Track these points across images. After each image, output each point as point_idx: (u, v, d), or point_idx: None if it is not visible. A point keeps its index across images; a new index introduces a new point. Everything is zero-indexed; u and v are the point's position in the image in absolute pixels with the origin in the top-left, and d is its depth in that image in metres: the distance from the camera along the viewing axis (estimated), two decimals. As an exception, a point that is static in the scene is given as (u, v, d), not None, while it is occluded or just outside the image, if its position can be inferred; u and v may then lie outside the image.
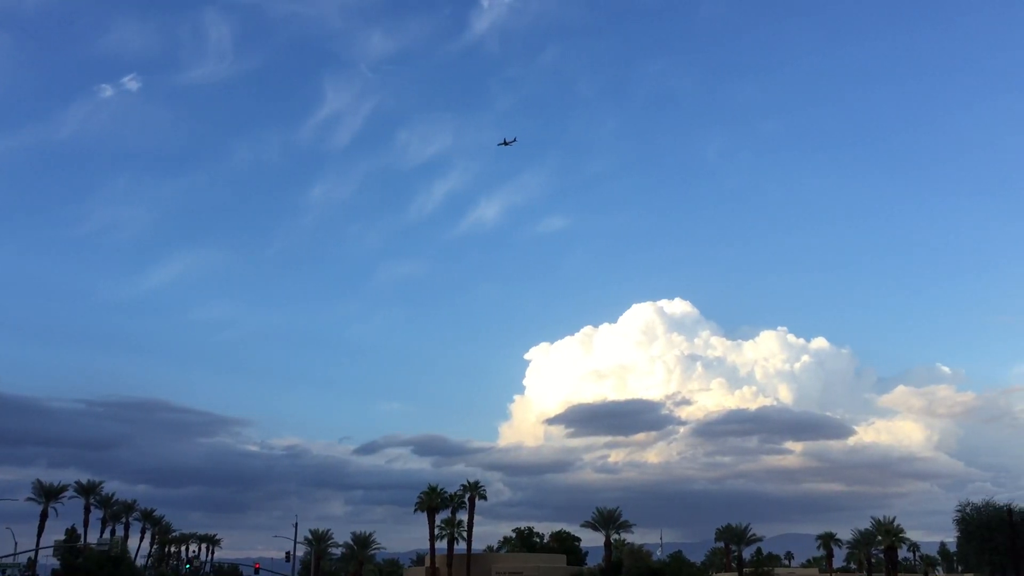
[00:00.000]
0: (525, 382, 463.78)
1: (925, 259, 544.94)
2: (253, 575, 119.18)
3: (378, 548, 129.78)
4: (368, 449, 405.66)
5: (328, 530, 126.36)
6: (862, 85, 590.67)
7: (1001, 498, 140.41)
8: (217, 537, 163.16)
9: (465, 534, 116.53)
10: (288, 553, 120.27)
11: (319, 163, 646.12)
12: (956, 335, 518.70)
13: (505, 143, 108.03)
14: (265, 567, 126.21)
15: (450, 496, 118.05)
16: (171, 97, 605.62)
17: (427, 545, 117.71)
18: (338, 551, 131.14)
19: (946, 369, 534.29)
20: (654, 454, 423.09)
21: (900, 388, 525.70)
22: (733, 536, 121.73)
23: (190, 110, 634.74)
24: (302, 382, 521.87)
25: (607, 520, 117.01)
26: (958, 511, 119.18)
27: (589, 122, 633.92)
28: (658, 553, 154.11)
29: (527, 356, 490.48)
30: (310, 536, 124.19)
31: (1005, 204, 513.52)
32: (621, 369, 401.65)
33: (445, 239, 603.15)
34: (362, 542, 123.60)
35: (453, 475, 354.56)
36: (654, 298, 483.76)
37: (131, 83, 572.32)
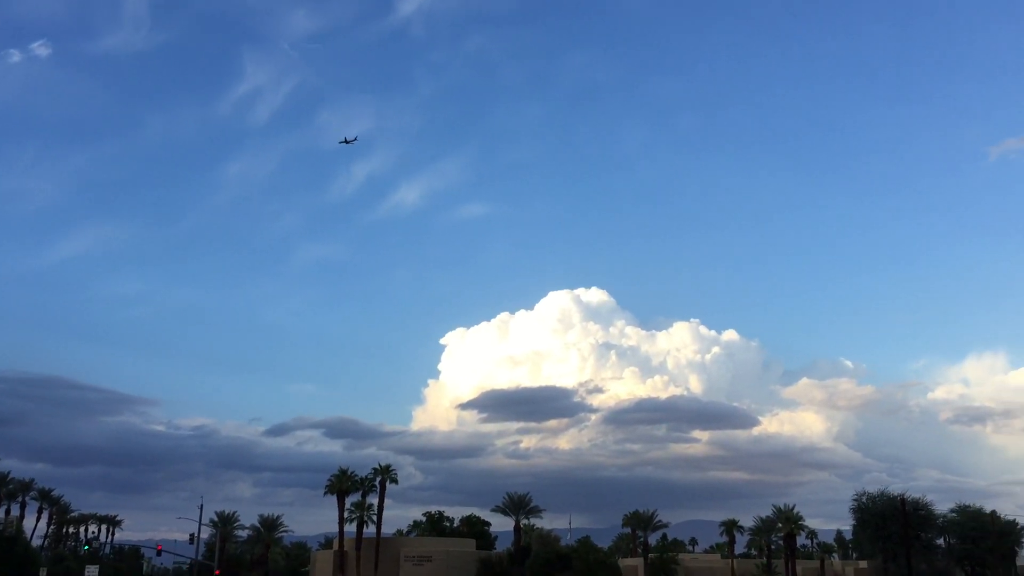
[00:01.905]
0: (440, 367, 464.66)
1: (833, 257, 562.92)
2: (155, 557, 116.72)
3: (286, 531, 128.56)
4: (279, 431, 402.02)
5: (235, 512, 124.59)
6: (776, 86, 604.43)
7: (895, 488, 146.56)
8: (118, 518, 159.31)
9: (375, 518, 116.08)
10: (192, 535, 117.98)
11: (237, 140, 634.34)
12: (859, 331, 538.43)
13: (346, 141, 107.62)
14: (168, 549, 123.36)
15: (361, 479, 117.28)
16: (83, 65, 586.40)
17: (336, 528, 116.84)
18: (244, 534, 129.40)
19: (848, 363, 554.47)
20: (565, 440, 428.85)
21: (804, 380, 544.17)
22: (640, 522, 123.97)
23: (103, 79, 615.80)
24: (213, 362, 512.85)
25: (517, 505, 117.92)
26: (854, 500, 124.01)
27: (511, 110, 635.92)
28: (567, 538, 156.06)
29: (443, 341, 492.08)
30: (216, 518, 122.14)
31: (907, 205, 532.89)
32: (536, 356, 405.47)
33: (364, 222, 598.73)
34: (270, 525, 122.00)
35: (365, 458, 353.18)
36: (571, 286, 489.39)
37: (40, 49, 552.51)
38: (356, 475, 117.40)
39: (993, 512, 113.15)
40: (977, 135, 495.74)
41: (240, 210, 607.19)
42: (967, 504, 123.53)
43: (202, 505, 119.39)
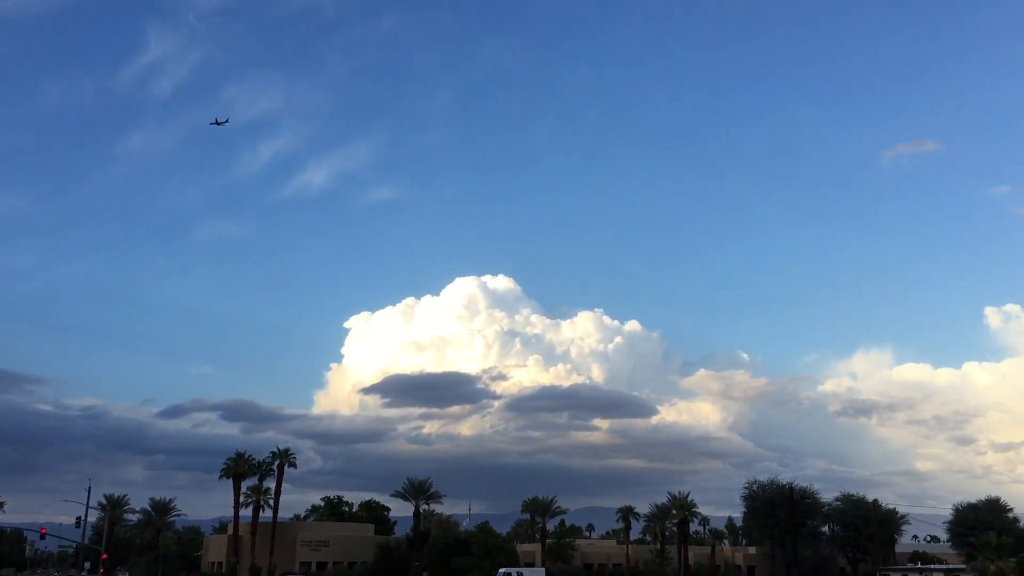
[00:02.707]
0: (343, 351, 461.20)
1: (732, 252, 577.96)
2: (39, 541, 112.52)
3: (179, 515, 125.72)
4: (173, 413, 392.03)
5: (125, 495, 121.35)
6: (682, 85, 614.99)
7: (784, 477, 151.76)
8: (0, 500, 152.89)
9: (272, 502, 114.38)
10: (79, 518, 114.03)
11: (138, 111, 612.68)
12: (755, 325, 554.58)
13: (217, 123, 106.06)
14: (53, 532, 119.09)
15: (258, 463, 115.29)
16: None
17: (232, 513, 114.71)
18: (135, 517, 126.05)
19: (745, 356, 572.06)
20: (468, 427, 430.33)
21: (702, 371, 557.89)
22: (539, 508, 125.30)
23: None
24: (105, 340, 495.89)
25: (417, 490, 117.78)
26: (746, 488, 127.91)
27: (423, 94, 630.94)
28: (466, 524, 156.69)
29: (347, 325, 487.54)
30: (104, 501, 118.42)
31: (804, 204, 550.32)
32: (440, 341, 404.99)
33: (269, 201, 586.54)
34: (161, 508, 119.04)
35: (263, 442, 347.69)
36: (478, 273, 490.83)
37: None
38: (253, 459, 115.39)
39: (875, 501, 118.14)
40: (872, 139, 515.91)
41: (139, 184, 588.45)
42: (851, 493, 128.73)
43: (90, 487, 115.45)
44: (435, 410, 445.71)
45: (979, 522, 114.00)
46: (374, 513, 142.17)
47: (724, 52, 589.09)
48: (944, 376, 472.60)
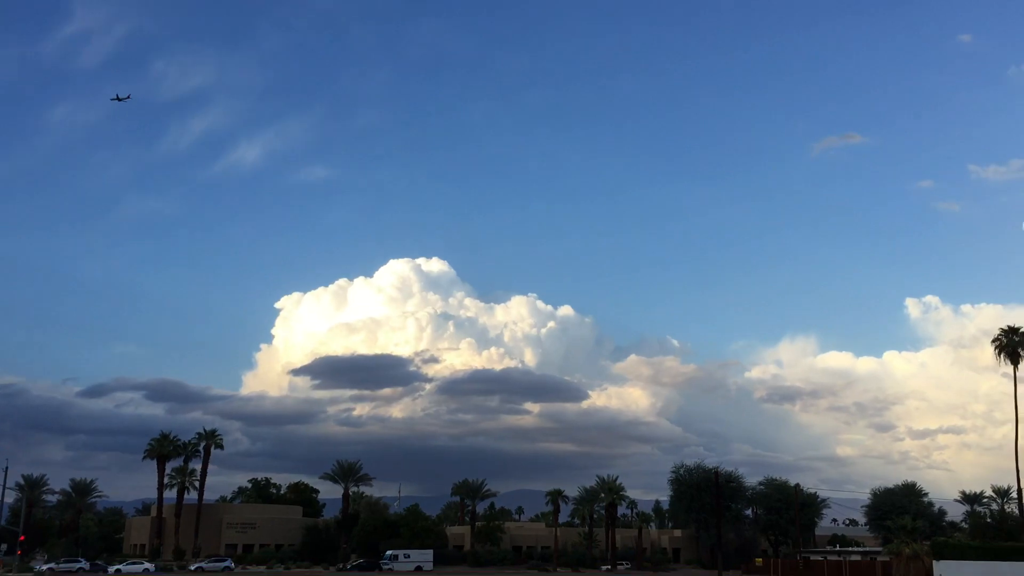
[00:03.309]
0: (274, 331, 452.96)
1: (664, 239, 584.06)
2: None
3: (100, 496, 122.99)
4: (96, 392, 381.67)
5: (44, 476, 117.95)
6: (619, 68, 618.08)
7: (710, 461, 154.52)
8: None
9: (198, 484, 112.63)
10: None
11: (62, 83, 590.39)
12: (686, 312, 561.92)
13: (118, 99, 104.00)
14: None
15: (184, 444, 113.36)
16: None
17: (156, 494, 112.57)
18: (54, 499, 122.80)
19: (675, 342, 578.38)
20: (399, 409, 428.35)
21: (633, 357, 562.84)
22: (469, 491, 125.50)
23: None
24: (23, 316, 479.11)
25: (347, 473, 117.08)
26: (673, 472, 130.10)
27: (359, 74, 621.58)
28: (395, 506, 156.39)
29: (277, 305, 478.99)
30: (22, 482, 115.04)
31: (735, 192, 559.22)
32: (373, 324, 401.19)
33: (199, 178, 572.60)
34: (82, 489, 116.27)
35: (190, 423, 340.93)
36: (412, 256, 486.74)
37: None
38: (179, 439, 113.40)
39: (797, 485, 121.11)
40: (802, 131, 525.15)
41: (62, 158, 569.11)
42: (774, 478, 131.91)
43: (7, 468, 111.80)
44: (366, 392, 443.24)
45: (895, 506, 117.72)
46: (302, 495, 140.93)
47: (660, 37, 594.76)
48: (865, 364, 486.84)
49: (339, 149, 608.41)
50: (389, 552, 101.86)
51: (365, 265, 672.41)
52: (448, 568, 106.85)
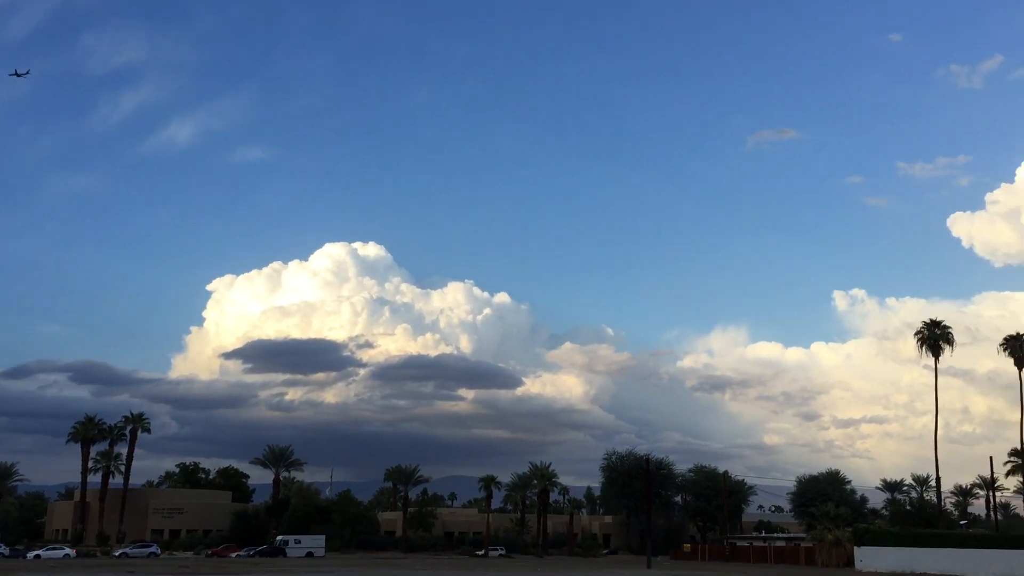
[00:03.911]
0: (205, 313, 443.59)
1: (600, 228, 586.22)
2: None
3: (22, 480, 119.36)
4: (17, 373, 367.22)
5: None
6: (557, 56, 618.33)
7: (642, 449, 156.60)
8: None
9: (123, 468, 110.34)
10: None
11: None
12: (621, 300, 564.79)
13: (17, 74, 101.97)
14: None
15: (110, 427, 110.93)
16: None
17: (79, 479, 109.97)
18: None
19: (609, 330, 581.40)
20: (332, 394, 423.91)
21: (567, 345, 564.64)
22: (401, 477, 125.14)
23: None
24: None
25: (278, 458, 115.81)
26: (605, 459, 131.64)
27: (297, 55, 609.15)
28: (327, 492, 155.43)
29: (209, 287, 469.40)
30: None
31: (670, 183, 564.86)
32: (307, 307, 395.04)
33: (129, 156, 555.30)
34: (2, 473, 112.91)
35: (116, 406, 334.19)
36: (348, 239, 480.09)
37: None
38: (104, 423, 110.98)
39: (725, 473, 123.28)
40: (738, 123, 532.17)
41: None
42: (704, 465, 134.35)
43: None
44: (299, 377, 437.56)
45: (819, 493, 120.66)
46: (232, 480, 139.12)
47: (601, 27, 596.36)
48: (793, 355, 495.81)
49: (275, 130, 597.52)
50: (280, 537, 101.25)
51: (300, 248, 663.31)
52: (379, 554, 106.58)
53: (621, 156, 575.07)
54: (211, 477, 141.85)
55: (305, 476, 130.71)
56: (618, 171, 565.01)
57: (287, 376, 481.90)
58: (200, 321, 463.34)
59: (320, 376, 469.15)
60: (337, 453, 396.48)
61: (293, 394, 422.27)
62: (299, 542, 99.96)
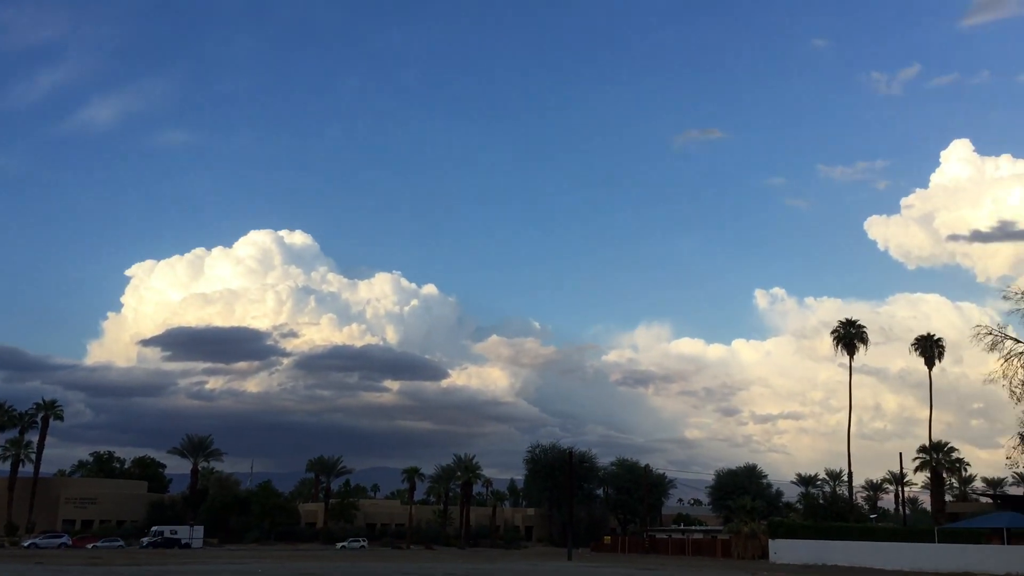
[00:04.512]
0: (123, 299, 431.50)
1: (528, 222, 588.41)
2: None
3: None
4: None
5: None
6: (490, 57, 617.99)
7: (565, 442, 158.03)
8: None
9: (34, 456, 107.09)
10: None
11: None
12: (548, 295, 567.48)
13: None
14: None
15: (20, 415, 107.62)
16: None
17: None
18: None
19: (536, 324, 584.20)
20: (255, 384, 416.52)
21: (494, 338, 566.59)
22: (324, 468, 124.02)
23: None
24: None
25: (196, 447, 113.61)
26: (528, 452, 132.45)
27: (225, 38, 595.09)
28: (247, 482, 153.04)
29: (128, 272, 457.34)
30: None
31: (597, 180, 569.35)
32: (230, 295, 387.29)
33: (47, 136, 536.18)
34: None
35: (28, 392, 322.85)
36: (274, 227, 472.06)
37: None
38: (15, 409, 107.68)
39: (647, 466, 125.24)
40: (665, 122, 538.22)
41: None
42: (626, 458, 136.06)
43: None
44: (220, 365, 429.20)
45: (737, 487, 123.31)
46: (148, 470, 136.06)
47: (533, 24, 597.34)
48: (715, 351, 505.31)
49: (201, 114, 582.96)
50: (154, 528, 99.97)
51: (224, 235, 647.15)
52: (298, 546, 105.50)
53: (550, 152, 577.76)
54: (126, 467, 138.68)
55: (225, 466, 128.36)
56: (547, 167, 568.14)
57: (208, 365, 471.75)
58: (118, 307, 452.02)
59: (242, 365, 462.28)
60: (258, 443, 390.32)
61: (214, 383, 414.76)
62: (175, 532, 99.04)
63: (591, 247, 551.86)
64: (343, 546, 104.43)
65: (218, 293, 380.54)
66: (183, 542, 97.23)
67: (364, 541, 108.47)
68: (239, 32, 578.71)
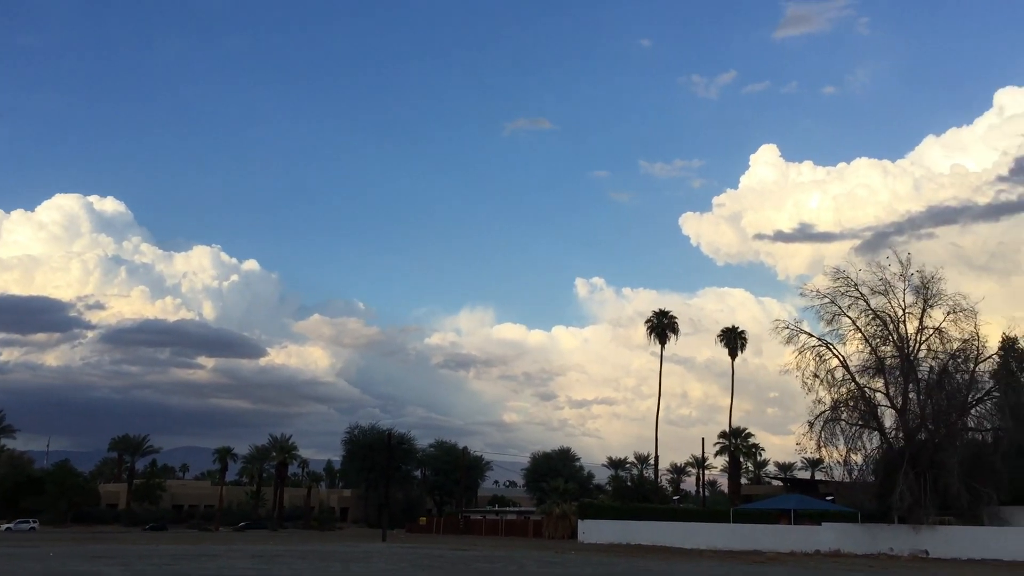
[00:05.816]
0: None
1: (355, 201, 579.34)
2: None
3: None
4: None
5: None
6: (328, 21, 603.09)
7: (385, 423, 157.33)
8: None
9: None
10: None
11: None
12: (373, 275, 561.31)
13: None
14: None
15: None
16: None
17: None
18: None
19: (361, 304, 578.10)
20: (54, 357, 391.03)
21: (316, 316, 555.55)
22: (129, 446, 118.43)
23: None
24: None
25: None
26: (347, 433, 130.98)
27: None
28: (43, 461, 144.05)
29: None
30: None
31: (429, 164, 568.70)
32: (30, 261, 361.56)
33: None
34: None
35: None
36: (83, 192, 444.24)
37: None
38: None
39: (465, 448, 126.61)
40: (497, 109, 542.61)
41: None
42: (444, 440, 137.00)
43: None
44: (15, 336, 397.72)
45: (551, 469, 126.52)
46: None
47: (371, 5, 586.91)
48: (536, 337, 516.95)
49: (5, 67, 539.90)
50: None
51: (26, 197, 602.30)
52: (97, 528, 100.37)
53: (380, 132, 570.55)
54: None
55: (18, 444, 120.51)
56: (376, 146, 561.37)
57: (2, 335, 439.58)
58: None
59: (41, 337, 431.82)
60: (58, 420, 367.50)
61: (8, 355, 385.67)
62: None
63: (418, 230, 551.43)
64: (8, 528, 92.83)
65: (16, 259, 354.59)
66: None
67: (35, 522, 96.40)
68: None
